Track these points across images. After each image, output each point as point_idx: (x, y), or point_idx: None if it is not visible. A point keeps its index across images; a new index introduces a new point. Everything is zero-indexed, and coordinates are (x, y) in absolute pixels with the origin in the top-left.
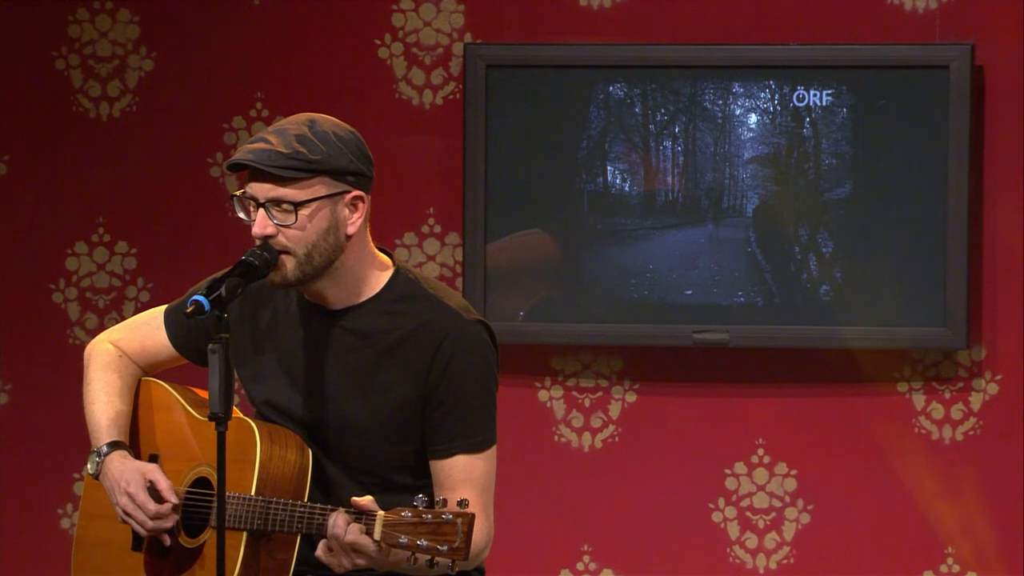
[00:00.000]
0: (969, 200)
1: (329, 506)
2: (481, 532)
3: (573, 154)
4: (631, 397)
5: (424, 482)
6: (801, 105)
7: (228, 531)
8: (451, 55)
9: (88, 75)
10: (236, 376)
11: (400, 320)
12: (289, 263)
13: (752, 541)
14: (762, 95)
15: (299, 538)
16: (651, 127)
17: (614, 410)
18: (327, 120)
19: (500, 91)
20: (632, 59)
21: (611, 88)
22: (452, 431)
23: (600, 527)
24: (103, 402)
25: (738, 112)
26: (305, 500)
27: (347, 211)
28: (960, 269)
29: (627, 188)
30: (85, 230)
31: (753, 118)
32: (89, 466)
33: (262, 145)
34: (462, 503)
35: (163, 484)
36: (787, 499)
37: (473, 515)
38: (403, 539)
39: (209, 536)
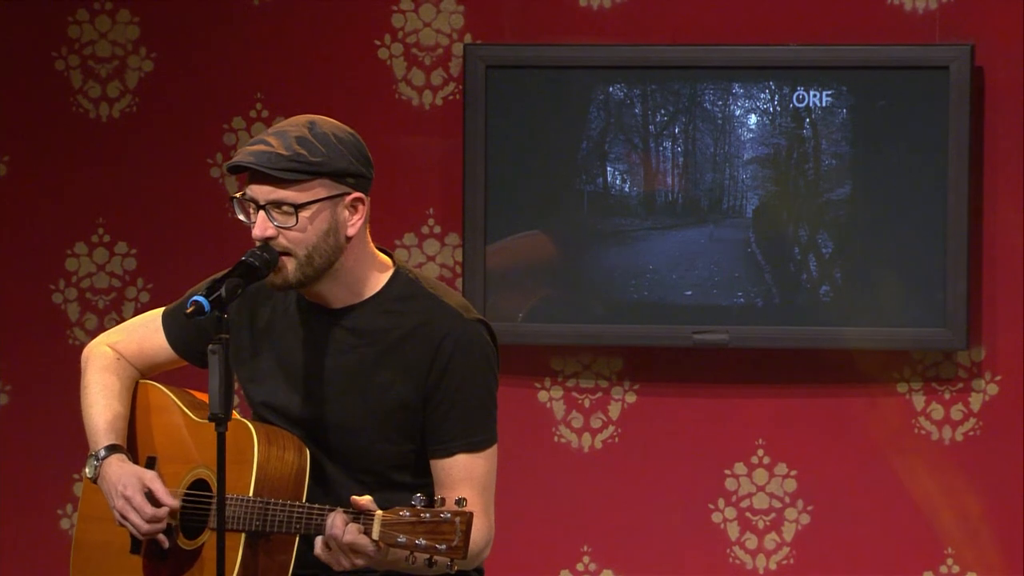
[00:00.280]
0: (969, 200)
1: (327, 506)
2: (481, 531)
3: (573, 155)
4: (631, 398)
5: (425, 481)
6: (801, 106)
7: (227, 532)
8: (451, 56)
9: (88, 76)
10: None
11: (400, 319)
12: (290, 265)
13: (752, 542)
14: (762, 96)
15: (298, 539)
16: (651, 128)
17: (614, 411)
18: (327, 122)
19: (500, 91)
20: (632, 60)
21: (611, 89)
22: (452, 430)
23: (600, 527)
24: (101, 405)
25: (738, 113)
26: (303, 501)
27: (347, 213)
28: (960, 269)
29: (627, 189)
30: (85, 230)
31: (753, 119)
32: (87, 470)
33: (262, 147)
34: (460, 502)
35: (160, 489)
36: (787, 500)
37: (471, 514)
38: (401, 538)
39: (207, 538)
